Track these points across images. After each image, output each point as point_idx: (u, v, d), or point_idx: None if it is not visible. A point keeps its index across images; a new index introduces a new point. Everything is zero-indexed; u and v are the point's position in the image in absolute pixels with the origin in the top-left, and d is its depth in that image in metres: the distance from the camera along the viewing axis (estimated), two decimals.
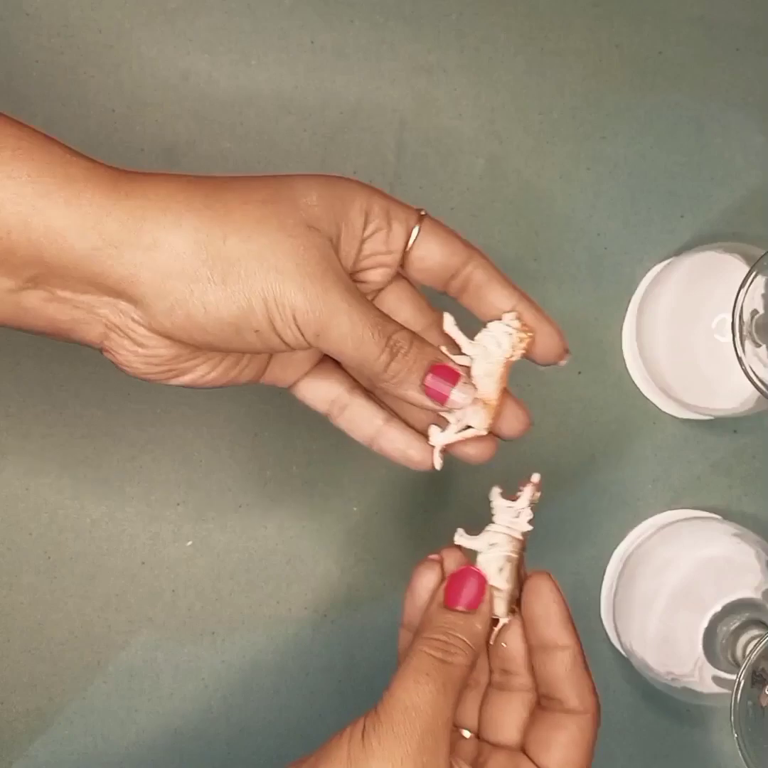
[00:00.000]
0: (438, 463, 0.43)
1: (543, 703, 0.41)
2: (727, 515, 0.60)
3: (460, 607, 0.40)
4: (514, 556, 0.42)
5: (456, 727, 0.42)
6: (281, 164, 0.57)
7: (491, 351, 0.42)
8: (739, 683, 0.47)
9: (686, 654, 0.53)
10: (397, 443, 0.43)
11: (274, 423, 0.57)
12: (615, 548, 0.60)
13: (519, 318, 0.42)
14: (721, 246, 0.56)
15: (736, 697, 0.47)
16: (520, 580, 0.42)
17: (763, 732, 0.47)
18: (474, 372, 0.42)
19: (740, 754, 0.47)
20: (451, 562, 0.42)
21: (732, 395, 0.55)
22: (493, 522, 0.43)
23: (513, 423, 0.43)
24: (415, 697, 0.37)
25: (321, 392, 0.44)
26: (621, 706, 0.60)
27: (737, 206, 0.61)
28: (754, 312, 0.49)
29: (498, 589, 0.41)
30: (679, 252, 0.60)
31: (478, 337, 0.42)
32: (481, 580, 0.41)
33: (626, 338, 0.60)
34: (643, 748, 0.61)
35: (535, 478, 0.43)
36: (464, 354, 0.42)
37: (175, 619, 0.56)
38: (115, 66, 0.55)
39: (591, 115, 0.60)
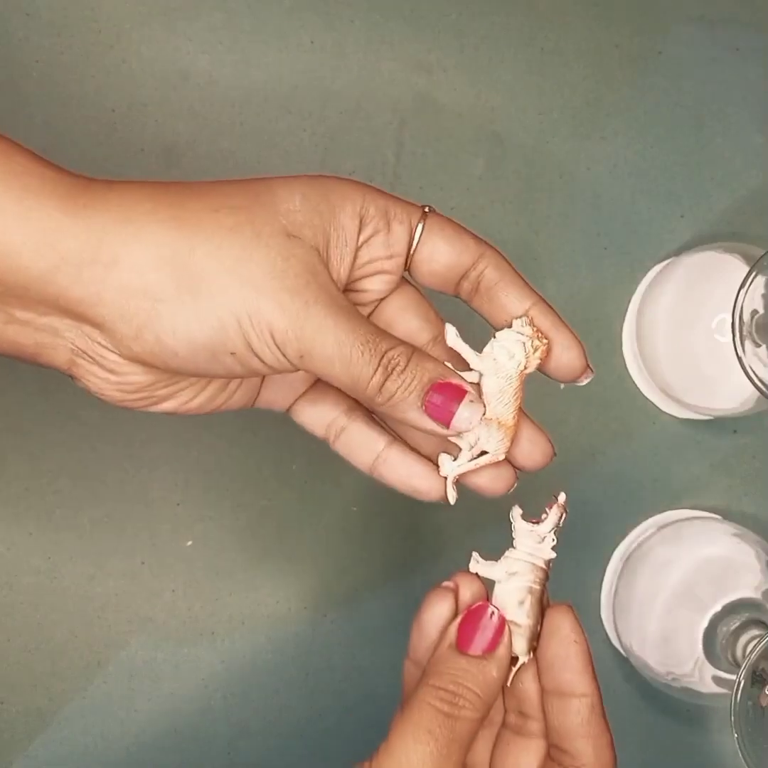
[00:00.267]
0: (452, 497, 0.38)
1: (553, 755, 0.37)
2: (727, 515, 0.60)
3: (474, 652, 0.35)
4: (537, 587, 0.37)
5: None
6: (281, 164, 0.57)
7: (502, 364, 0.37)
8: (739, 683, 0.47)
9: (686, 654, 0.53)
10: (399, 471, 0.39)
11: (275, 422, 0.57)
12: (615, 548, 0.60)
13: (531, 323, 0.37)
14: (721, 246, 0.56)
15: (736, 697, 0.47)
16: (542, 613, 0.37)
17: (763, 732, 0.47)
18: (485, 389, 0.37)
19: (740, 754, 0.47)
20: (467, 591, 0.37)
21: (732, 395, 0.55)
22: (513, 547, 0.38)
23: (533, 453, 0.38)
24: (414, 759, 0.33)
25: (317, 416, 0.40)
26: (621, 706, 0.60)
27: (737, 206, 0.61)
28: (754, 312, 0.49)
29: (517, 625, 0.36)
30: (679, 252, 0.60)
31: (487, 349, 0.37)
32: (501, 621, 0.36)
33: (626, 338, 0.60)
34: (643, 748, 0.60)
35: (562, 498, 0.38)
36: (472, 370, 0.37)
37: (174, 619, 0.56)
38: (115, 66, 0.55)
39: (591, 115, 0.60)
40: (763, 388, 0.49)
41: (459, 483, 0.39)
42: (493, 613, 0.36)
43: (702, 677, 0.53)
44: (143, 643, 0.56)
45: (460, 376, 0.36)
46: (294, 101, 0.57)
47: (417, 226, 0.37)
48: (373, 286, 0.38)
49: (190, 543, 0.57)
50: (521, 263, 0.59)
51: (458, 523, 0.59)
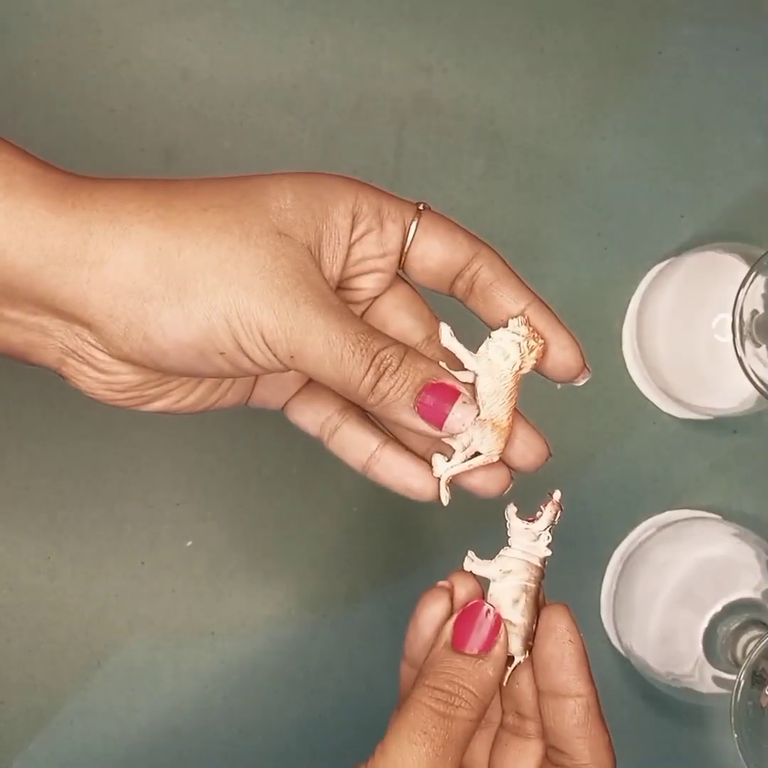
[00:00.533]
0: (445, 498, 0.38)
1: (551, 756, 0.36)
2: (727, 515, 0.60)
3: (469, 650, 0.35)
4: (532, 585, 0.36)
5: None
6: (281, 164, 0.57)
7: (497, 364, 0.36)
8: (739, 683, 0.47)
9: (686, 654, 0.53)
10: (393, 470, 0.38)
11: (274, 423, 0.57)
12: (615, 548, 0.60)
13: (527, 322, 0.37)
14: (721, 246, 0.56)
15: (736, 697, 0.47)
16: (537, 612, 0.36)
17: (763, 732, 0.47)
18: (479, 389, 0.36)
19: (740, 754, 0.47)
20: (463, 590, 0.37)
21: (732, 395, 0.55)
22: (508, 545, 0.37)
23: (527, 455, 0.38)
24: (409, 760, 0.33)
25: (311, 414, 0.40)
26: (621, 706, 0.60)
27: (737, 206, 0.61)
28: (754, 312, 0.49)
29: (512, 624, 0.36)
30: (679, 252, 0.60)
31: (482, 349, 0.37)
32: (497, 619, 0.35)
33: (626, 338, 0.60)
34: (643, 748, 0.60)
35: (557, 496, 0.37)
36: (466, 370, 0.36)
37: (174, 619, 0.56)
38: (115, 66, 0.55)
39: (591, 115, 0.60)
40: (763, 388, 0.49)
41: (453, 484, 0.38)
42: (488, 611, 0.36)
43: (702, 677, 0.53)
44: (143, 643, 0.56)
45: (453, 376, 0.35)
46: (294, 101, 0.57)
47: (411, 223, 0.36)
48: (367, 284, 0.37)
49: (190, 543, 0.57)
50: (521, 263, 0.59)
51: (458, 523, 0.59)
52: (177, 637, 0.56)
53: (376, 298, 0.38)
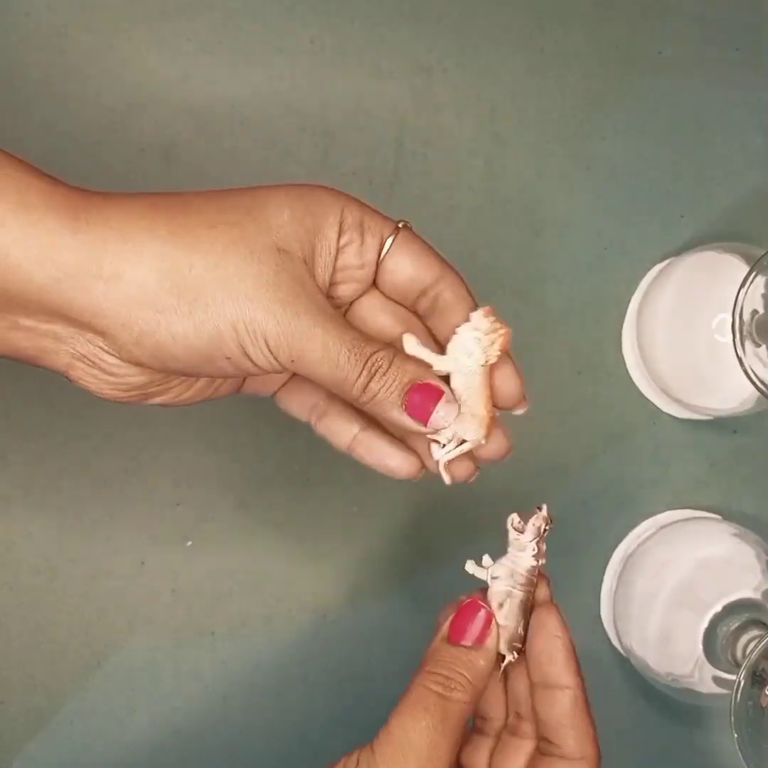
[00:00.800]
0: (447, 479, 0.41)
1: (541, 747, 0.40)
2: (727, 515, 0.60)
3: (464, 642, 0.39)
4: (518, 592, 0.39)
5: None
6: (281, 164, 0.57)
7: (463, 362, 0.38)
8: (739, 683, 0.47)
9: (686, 654, 0.53)
10: (374, 451, 0.41)
11: (274, 423, 0.57)
12: (615, 548, 0.60)
13: (491, 313, 0.39)
14: (721, 246, 0.56)
15: (736, 698, 0.47)
16: (526, 616, 0.39)
17: (763, 732, 0.47)
18: (453, 386, 0.39)
19: (740, 755, 0.47)
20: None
21: (732, 395, 0.55)
22: (507, 551, 0.41)
23: (491, 446, 0.40)
24: (412, 733, 0.36)
25: (300, 400, 0.43)
26: (621, 706, 0.60)
27: (737, 206, 0.61)
28: (754, 312, 0.49)
29: (500, 626, 0.39)
30: (679, 252, 0.60)
31: (449, 347, 0.39)
32: (489, 616, 0.39)
33: (626, 338, 0.60)
34: (643, 748, 0.61)
35: (544, 510, 0.40)
36: (437, 370, 0.39)
37: (174, 620, 0.56)
38: (115, 66, 0.55)
39: (591, 115, 0.60)
40: (763, 388, 0.49)
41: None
42: (481, 609, 0.39)
43: (702, 677, 0.53)
44: (143, 643, 0.56)
45: (437, 377, 0.38)
46: (294, 101, 0.57)
47: (387, 239, 0.39)
48: (344, 291, 0.40)
49: (190, 543, 0.57)
50: (521, 263, 0.59)
51: (458, 524, 0.59)
52: (177, 637, 0.56)
53: (353, 301, 0.41)
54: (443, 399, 0.37)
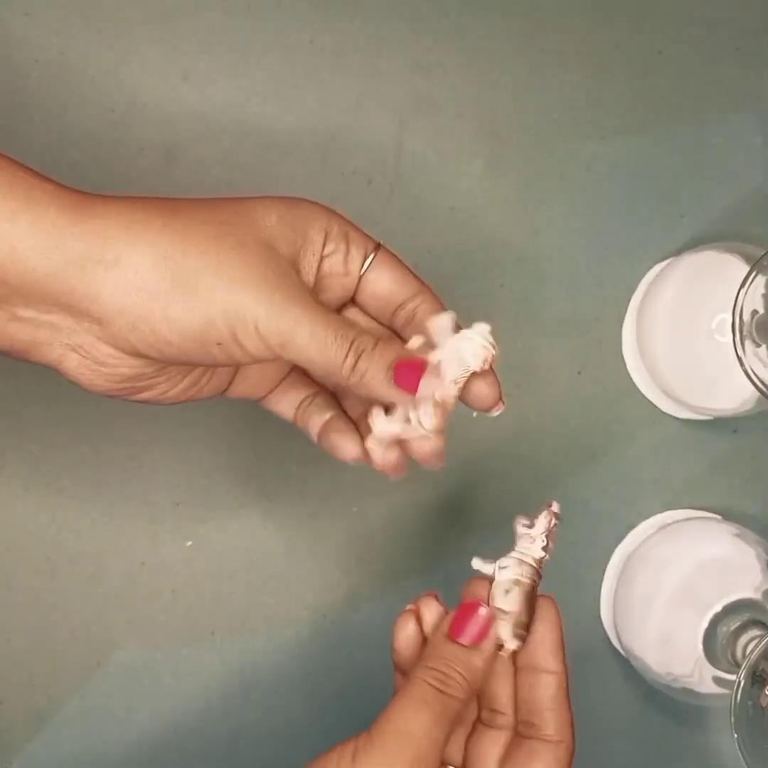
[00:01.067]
0: (377, 456, 0.42)
1: (521, 730, 0.41)
2: (727, 515, 0.60)
3: (463, 641, 0.40)
4: (525, 580, 0.41)
5: (443, 763, 0.40)
6: (281, 164, 0.57)
7: (465, 355, 0.41)
8: (739, 683, 0.47)
9: (686, 654, 0.53)
10: (329, 433, 0.44)
11: (275, 423, 0.57)
12: (615, 548, 0.60)
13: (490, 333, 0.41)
14: (721, 246, 0.56)
15: (736, 698, 0.47)
16: (530, 606, 0.41)
17: (763, 732, 0.47)
18: (443, 373, 0.40)
19: (740, 755, 0.47)
20: (427, 612, 0.42)
21: (732, 395, 0.55)
22: (514, 548, 0.42)
23: (426, 446, 0.42)
24: (412, 724, 0.37)
25: (286, 402, 0.46)
26: (621, 706, 0.60)
27: (737, 206, 0.61)
28: (754, 312, 0.49)
29: (504, 612, 0.40)
30: (679, 252, 0.60)
31: (451, 342, 0.41)
32: (488, 618, 0.40)
33: (626, 338, 0.60)
34: (643, 748, 0.61)
35: (555, 506, 0.42)
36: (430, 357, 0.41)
37: (174, 620, 0.56)
38: (115, 66, 0.55)
39: (591, 115, 0.60)
40: (763, 388, 0.49)
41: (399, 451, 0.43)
42: (482, 609, 0.40)
43: (702, 677, 0.53)
44: (143, 643, 0.56)
45: (417, 354, 0.40)
46: (294, 101, 0.57)
47: (370, 253, 0.42)
48: (329, 298, 0.43)
49: (190, 543, 0.57)
50: (521, 263, 0.59)
51: (458, 524, 0.59)
52: (177, 637, 0.56)
53: (339, 308, 0.44)
54: (429, 368, 0.39)
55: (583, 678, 0.60)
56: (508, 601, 0.40)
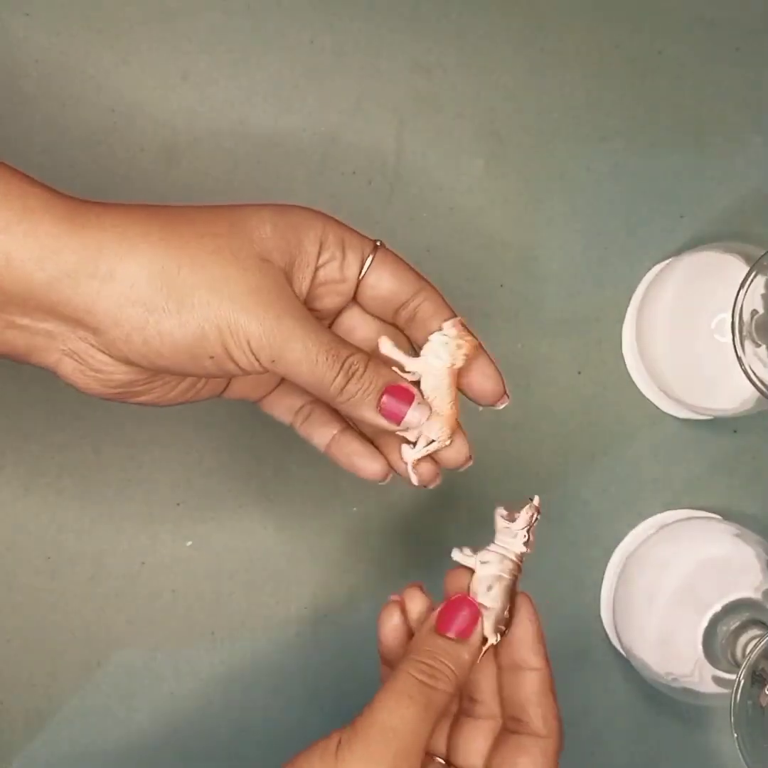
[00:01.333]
0: (414, 479, 0.43)
1: (508, 726, 0.42)
2: (727, 515, 0.60)
3: (450, 634, 0.40)
4: (506, 576, 0.42)
5: (428, 754, 0.41)
6: (281, 164, 0.57)
7: (433, 364, 0.42)
8: (738, 683, 0.47)
9: (686, 654, 0.53)
10: (345, 451, 0.44)
11: (274, 423, 0.57)
12: (615, 548, 0.60)
13: (459, 324, 0.42)
14: (721, 246, 0.56)
15: (735, 697, 0.47)
16: (510, 601, 0.42)
17: (763, 732, 0.47)
18: (422, 387, 0.42)
19: (740, 754, 0.47)
20: (412, 603, 0.43)
21: (732, 395, 0.55)
22: (493, 541, 0.43)
23: (453, 456, 0.43)
24: (395, 719, 0.37)
25: (285, 406, 0.46)
26: (621, 706, 0.60)
27: (737, 206, 0.61)
28: (754, 312, 0.49)
29: (485, 608, 0.41)
30: (679, 252, 0.60)
31: (422, 352, 0.42)
32: (475, 611, 0.41)
33: (626, 338, 0.60)
34: (643, 748, 0.61)
35: (536, 500, 0.43)
36: (408, 372, 0.42)
37: (174, 619, 0.56)
38: (115, 66, 0.55)
39: (591, 115, 0.60)
40: (763, 388, 0.49)
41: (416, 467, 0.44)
42: (469, 603, 0.41)
43: (702, 677, 0.53)
44: (143, 643, 0.56)
45: (408, 381, 0.41)
46: (294, 101, 0.57)
47: (368, 256, 0.42)
48: (327, 304, 0.43)
49: (190, 543, 0.57)
50: (521, 263, 0.59)
51: (457, 524, 0.59)
52: (177, 637, 0.56)
53: (337, 315, 0.44)
54: (415, 401, 0.40)
55: (583, 678, 0.60)
56: (490, 596, 0.41)
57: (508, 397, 0.44)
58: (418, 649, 0.40)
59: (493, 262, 0.59)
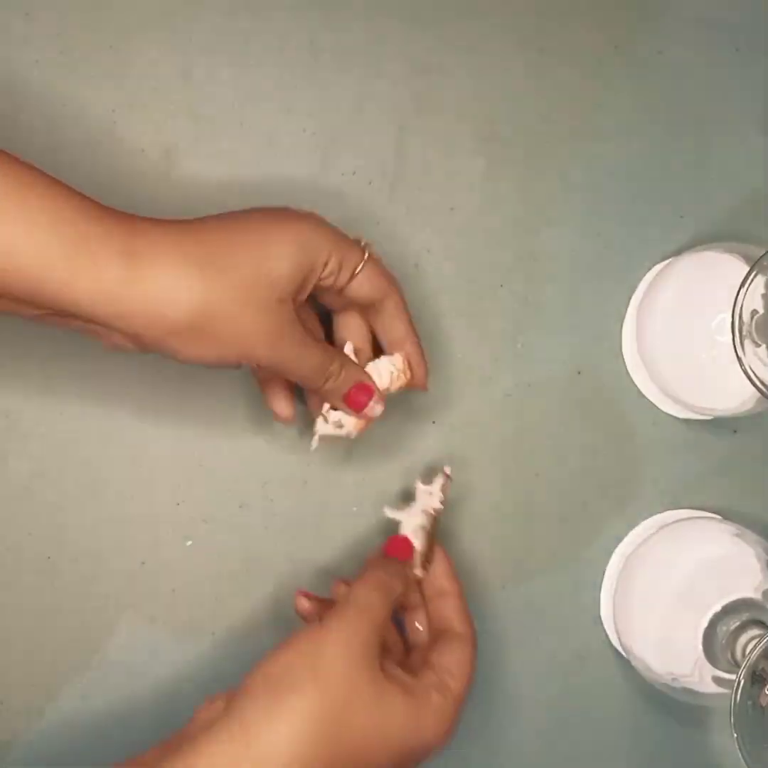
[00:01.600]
0: (314, 445, 0.54)
1: (434, 635, 0.53)
2: (727, 515, 0.60)
3: (397, 557, 0.53)
4: (427, 525, 0.54)
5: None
6: (281, 164, 0.57)
7: (375, 380, 0.53)
8: (738, 683, 0.47)
9: (686, 654, 0.53)
10: (274, 397, 0.54)
11: (274, 423, 0.57)
12: (615, 548, 0.60)
13: (406, 359, 0.53)
14: (721, 246, 0.56)
15: (735, 697, 0.47)
16: (431, 545, 0.54)
17: (763, 732, 0.47)
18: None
19: (740, 754, 0.47)
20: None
21: (732, 395, 0.55)
22: (415, 501, 0.55)
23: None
24: (368, 600, 0.48)
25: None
26: (621, 706, 0.60)
27: (737, 206, 0.61)
28: (754, 312, 0.49)
29: (414, 550, 0.54)
30: (679, 252, 0.60)
31: (371, 364, 0.53)
32: (410, 543, 0.54)
33: (626, 338, 0.60)
34: (643, 748, 0.61)
35: (447, 469, 0.55)
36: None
37: (175, 619, 0.56)
38: (115, 66, 0.55)
39: (591, 116, 0.60)
40: (763, 388, 0.49)
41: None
42: (405, 539, 0.54)
43: (702, 677, 0.53)
44: (143, 643, 0.56)
45: (373, 381, 0.52)
46: (294, 101, 0.57)
47: (358, 269, 0.51)
48: (324, 299, 0.53)
49: (190, 543, 0.57)
50: (521, 263, 0.59)
51: (456, 524, 0.59)
52: (177, 637, 0.56)
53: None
54: (375, 397, 0.52)
55: (583, 678, 0.60)
56: (417, 542, 0.54)
57: (427, 389, 0.55)
58: (375, 564, 0.52)
59: (493, 262, 0.59)
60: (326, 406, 0.53)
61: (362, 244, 0.51)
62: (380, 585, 0.50)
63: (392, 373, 0.53)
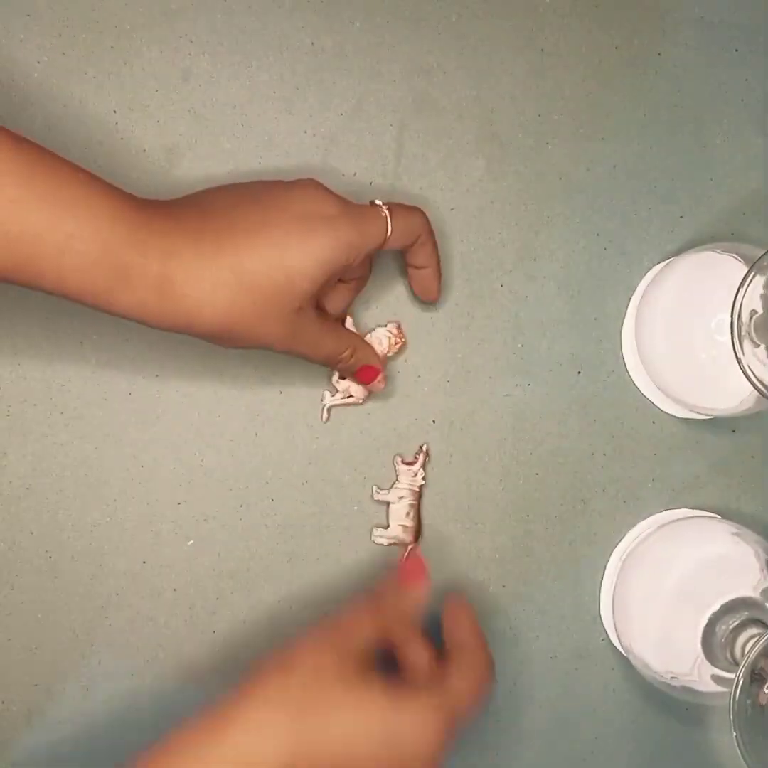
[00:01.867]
0: (324, 417, 0.58)
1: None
2: (727, 514, 0.60)
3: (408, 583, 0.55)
4: (415, 503, 0.58)
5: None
6: (281, 165, 0.57)
7: (376, 347, 0.57)
8: (738, 682, 0.47)
9: (685, 653, 0.53)
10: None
11: (274, 423, 0.57)
12: (615, 547, 0.60)
13: (397, 328, 0.58)
14: (721, 246, 0.56)
15: (734, 696, 0.47)
16: (419, 519, 0.58)
17: (762, 730, 0.47)
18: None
19: (739, 753, 0.47)
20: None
21: (732, 395, 0.55)
22: (398, 481, 0.58)
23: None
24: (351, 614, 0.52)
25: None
26: (621, 706, 0.60)
27: (737, 206, 0.61)
28: (753, 312, 0.49)
29: (406, 526, 0.57)
30: (678, 252, 0.60)
31: (371, 334, 0.58)
32: (422, 564, 0.55)
33: (626, 338, 0.60)
34: (643, 748, 0.61)
35: (425, 447, 0.58)
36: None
37: (175, 619, 0.56)
38: (116, 66, 0.55)
39: (591, 116, 0.60)
40: (762, 388, 0.49)
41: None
42: (419, 560, 0.55)
43: (701, 676, 0.53)
44: (144, 643, 0.56)
45: (379, 360, 0.57)
46: (294, 102, 0.57)
47: (382, 242, 0.52)
48: (340, 295, 0.56)
49: (191, 542, 0.57)
50: (521, 263, 0.59)
51: (456, 523, 0.59)
52: (178, 637, 0.56)
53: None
54: (381, 375, 0.56)
55: (583, 677, 0.60)
56: (409, 518, 0.57)
57: (438, 296, 0.58)
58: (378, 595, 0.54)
59: (493, 262, 0.59)
60: (335, 376, 0.58)
61: (381, 209, 0.52)
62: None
63: (390, 338, 0.58)
